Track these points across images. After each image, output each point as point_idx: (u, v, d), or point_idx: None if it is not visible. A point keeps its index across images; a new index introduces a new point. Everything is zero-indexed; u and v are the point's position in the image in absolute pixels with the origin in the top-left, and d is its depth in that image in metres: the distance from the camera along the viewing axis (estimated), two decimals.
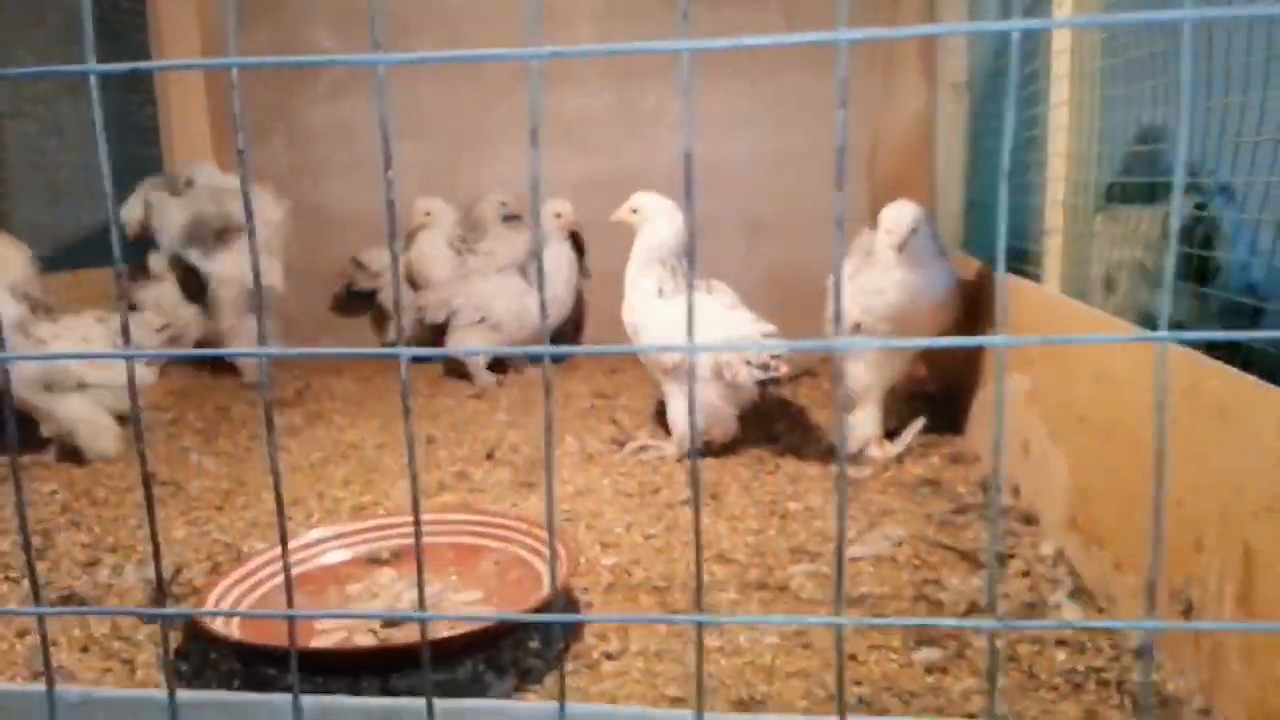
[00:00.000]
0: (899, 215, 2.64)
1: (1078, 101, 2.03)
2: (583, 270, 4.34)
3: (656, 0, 4.36)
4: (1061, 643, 1.68)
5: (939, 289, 2.72)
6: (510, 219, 4.39)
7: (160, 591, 0.75)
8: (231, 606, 1.81)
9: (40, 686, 0.61)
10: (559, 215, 4.11)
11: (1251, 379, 1.30)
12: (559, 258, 4.10)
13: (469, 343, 3.93)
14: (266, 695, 0.84)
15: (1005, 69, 2.24)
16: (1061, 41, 2.08)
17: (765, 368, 2.66)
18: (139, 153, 4.05)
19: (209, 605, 1.75)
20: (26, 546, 0.72)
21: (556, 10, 4.41)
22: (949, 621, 1.70)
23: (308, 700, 0.62)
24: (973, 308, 2.81)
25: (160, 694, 0.64)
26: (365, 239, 4.31)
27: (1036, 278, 2.33)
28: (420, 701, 0.63)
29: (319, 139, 4.47)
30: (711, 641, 1.73)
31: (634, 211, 3.02)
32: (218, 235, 3.69)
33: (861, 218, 4.52)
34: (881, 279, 2.70)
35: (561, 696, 0.68)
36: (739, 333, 2.76)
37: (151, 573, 2.04)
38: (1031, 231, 2.61)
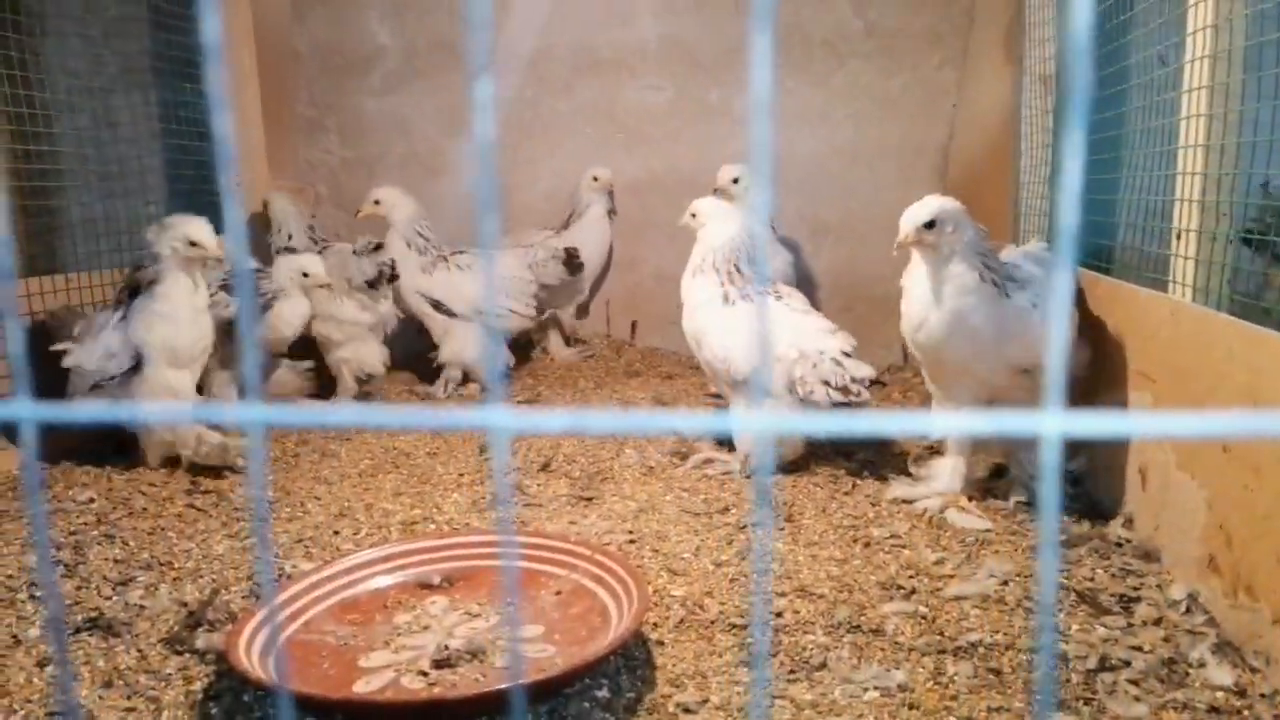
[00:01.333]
0: (908, 212, 2.22)
1: (1222, 86, 1.79)
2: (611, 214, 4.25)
3: None
4: (1214, 710, 1.45)
5: (997, 321, 2.20)
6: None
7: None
8: (269, 641, 1.65)
9: None
10: (596, 179, 4.12)
11: None
12: (599, 221, 4.18)
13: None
14: None
15: (1099, 59, 1.99)
16: (1202, 17, 1.83)
17: (845, 391, 2.44)
18: (192, 147, 3.95)
19: (245, 636, 1.59)
20: None
21: (615, 4, 4.22)
22: None
23: None
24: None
25: None
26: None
27: (1161, 284, 2.08)
28: None
29: (373, 132, 4.34)
30: (803, 695, 1.53)
31: (693, 216, 2.85)
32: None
33: None
34: (914, 292, 2.30)
35: None
36: (813, 343, 2.55)
37: (187, 594, 1.90)
38: (1142, 232, 2.36)
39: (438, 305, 3.72)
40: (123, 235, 3.62)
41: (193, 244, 2.64)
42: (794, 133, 4.24)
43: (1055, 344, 0.44)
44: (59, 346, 2.68)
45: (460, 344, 3.71)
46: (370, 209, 3.72)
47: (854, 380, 2.44)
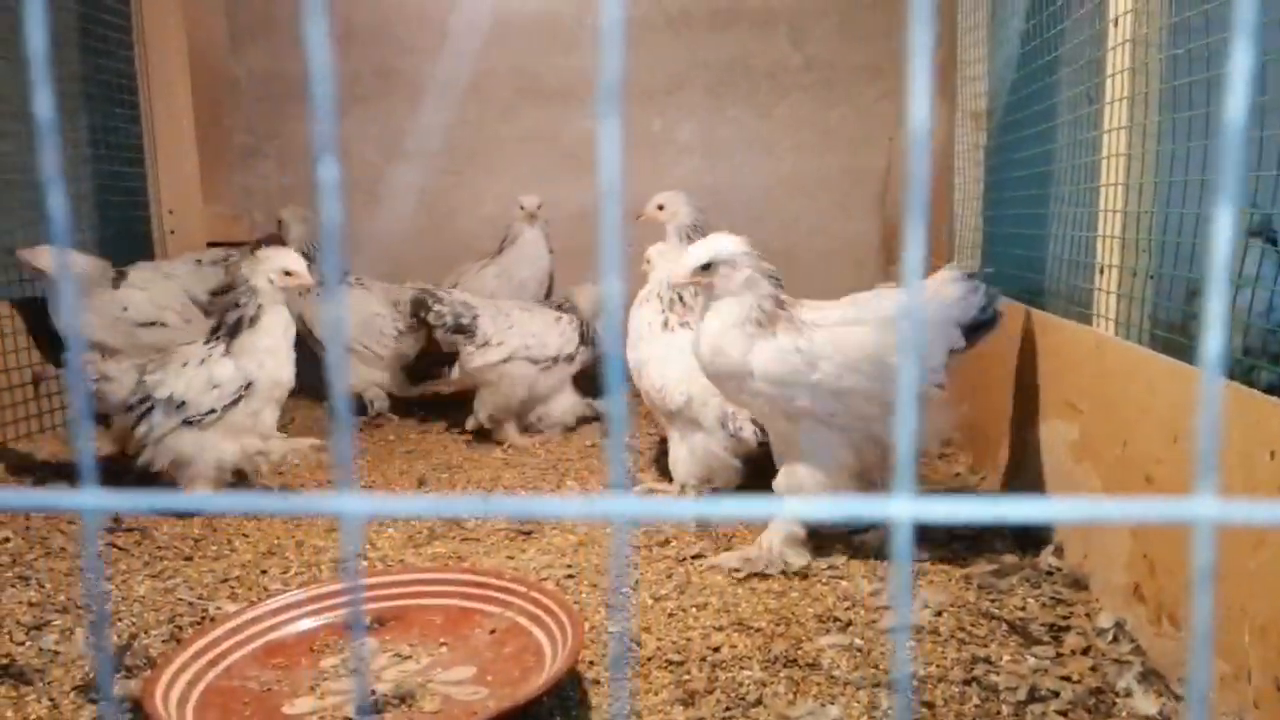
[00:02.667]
0: (690, 251, 2.25)
1: (1140, 126, 1.85)
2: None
3: (662, 21, 4.21)
4: None
5: (748, 359, 2.14)
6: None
7: None
8: (191, 682, 1.59)
9: None
10: (522, 207, 3.95)
11: None
12: (532, 247, 3.99)
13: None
14: None
15: (1027, 98, 2.06)
16: (1120, 61, 1.90)
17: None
18: (123, 171, 3.86)
19: (163, 683, 1.54)
20: None
21: (559, 32, 4.25)
22: None
23: None
24: (998, 355, 2.62)
25: None
26: (362, 262, 4.11)
27: (1087, 318, 2.13)
28: None
29: (312, 159, 4.27)
30: None
31: (648, 262, 2.93)
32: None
33: (872, 251, 4.38)
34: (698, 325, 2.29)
35: None
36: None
37: (105, 639, 1.82)
38: (1068, 267, 2.43)
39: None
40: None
41: (288, 274, 2.66)
42: (739, 163, 4.29)
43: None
44: (149, 377, 2.62)
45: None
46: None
47: None
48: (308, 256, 3.69)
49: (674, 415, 2.64)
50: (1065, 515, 0.44)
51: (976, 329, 2.26)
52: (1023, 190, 2.91)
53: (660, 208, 3.75)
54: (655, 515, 0.47)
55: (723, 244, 2.21)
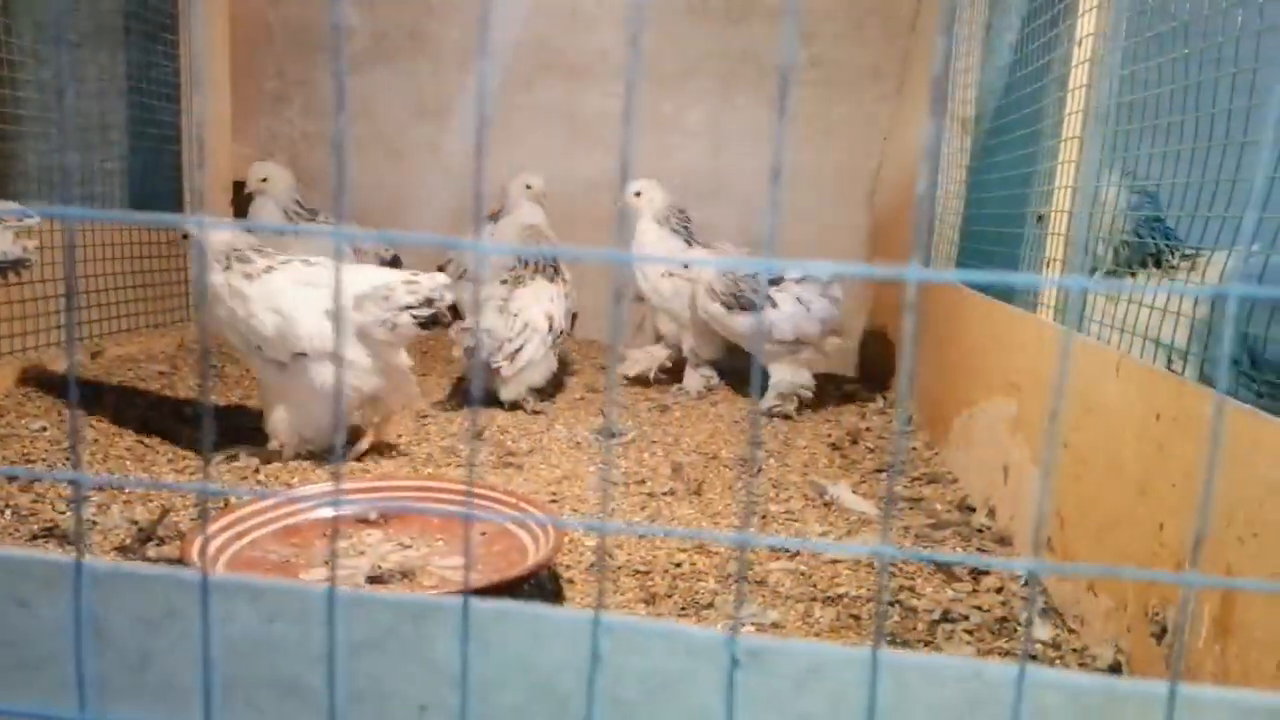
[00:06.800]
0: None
1: (1089, 137, 2.09)
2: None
3: (683, 7, 4.42)
4: (1032, 658, 1.72)
5: None
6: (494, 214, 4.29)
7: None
8: (219, 549, 1.82)
9: (67, 557, 0.63)
10: (529, 186, 4.13)
11: (1245, 406, 1.35)
12: (529, 218, 4.12)
13: None
14: (304, 583, 0.86)
15: (1014, 104, 2.30)
16: (1078, 78, 2.14)
17: (429, 303, 2.50)
18: (158, 107, 4.06)
19: (194, 550, 1.77)
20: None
21: (581, 10, 4.46)
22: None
23: (342, 591, 0.65)
24: (961, 342, 2.87)
25: (191, 573, 0.66)
26: (380, 213, 4.33)
27: (1034, 307, 2.38)
28: (456, 601, 0.66)
29: (334, 110, 4.48)
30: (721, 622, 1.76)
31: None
32: None
33: (858, 243, 4.62)
34: None
35: (598, 605, 0.70)
36: (380, 279, 2.50)
37: (138, 514, 2.06)
38: (1029, 264, 2.67)
39: None
40: (77, 187, 3.70)
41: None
42: (740, 150, 4.52)
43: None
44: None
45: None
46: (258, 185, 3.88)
47: (434, 290, 2.51)
48: (301, 205, 3.95)
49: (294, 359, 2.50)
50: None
51: None
52: (997, 191, 3.15)
53: (637, 194, 3.95)
54: (657, 263, 0.69)
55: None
